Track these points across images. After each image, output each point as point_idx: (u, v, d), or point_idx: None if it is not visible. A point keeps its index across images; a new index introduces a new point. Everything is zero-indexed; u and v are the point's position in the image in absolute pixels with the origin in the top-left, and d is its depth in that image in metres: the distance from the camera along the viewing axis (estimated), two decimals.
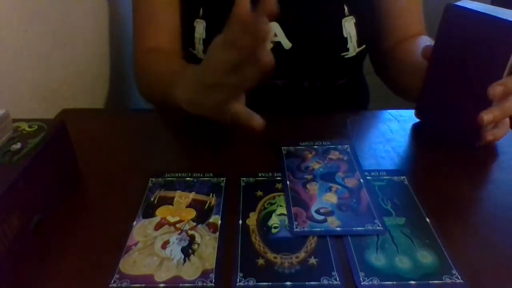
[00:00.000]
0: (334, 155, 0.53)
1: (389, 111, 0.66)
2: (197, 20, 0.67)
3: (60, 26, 0.69)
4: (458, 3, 0.50)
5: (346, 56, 0.66)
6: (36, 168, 0.42)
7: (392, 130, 0.60)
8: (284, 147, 0.54)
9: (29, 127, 0.46)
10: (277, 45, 0.65)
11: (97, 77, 0.84)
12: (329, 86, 0.73)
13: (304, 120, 0.62)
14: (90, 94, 0.81)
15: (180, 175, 0.50)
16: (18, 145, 0.43)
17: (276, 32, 0.65)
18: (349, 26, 0.65)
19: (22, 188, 0.40)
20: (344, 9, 0.65)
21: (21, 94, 0.61)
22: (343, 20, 0.65)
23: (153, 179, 0.49)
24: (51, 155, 0.45)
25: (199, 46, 0.67)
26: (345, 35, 0.65)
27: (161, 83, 0.62)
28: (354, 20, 0.65)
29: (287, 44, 0.65)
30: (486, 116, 0.48)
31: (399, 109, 0.65)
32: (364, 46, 0.67)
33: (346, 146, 0.55)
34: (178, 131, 0.61)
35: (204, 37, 0.66)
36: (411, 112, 0.64)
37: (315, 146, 0.55)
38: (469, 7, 0.49)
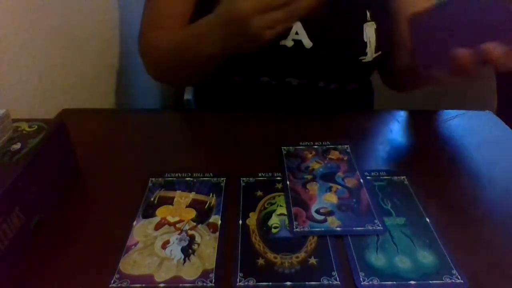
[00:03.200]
0: (334, 155, 0.53)
1: (389, 111, 0.66)
2: None
3: (60, 26, 0.69)
4: None
5: (363, 60, 0.66)
6: (36, 168, 0.42)
7: (392, 130, 0.60)
8: (284, 147, 0.54)
9: (29, 127, 0.46)
10: (298, 43, 0.65)
11: (97, 77, 0.84)
12: (343, 89, 0.73)
13: (304, 120, 0.62)
14: (90, 94, 0.81)
15: (180, 175, 0.50)
16: (18, 145, 0.43)
17: (298, 30, 0.65)
18: (369, 31, 0.65)
19: (22, 188, 0.39)
20: (366, 14, 0.66)
21: (21, 94, 0.61)
22: (365, 25, 0.65)
23: (153, 179, 0.49)
24: (51, 155, 0.45)
25: None
26: (365, 39, 0.65)
27: (182, 42, 0.63)
28: (375, 26, 0.66)
29: (308, 43, 0.65)
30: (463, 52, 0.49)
31: (400, 109, 0.65)
32: (380, 52, 0.68)
33: (346, 146, 0.55)
34: (178, 131, 0.61)
35: None
36: (411, 113, 0.65)
37: (315, 146, 0.55)
38: None
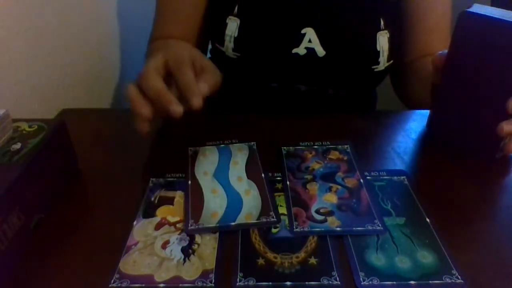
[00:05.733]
0: (334, 155, 0.53)
1: (389, 111, 0.66)
2: (231, 17, 0.66)
3: (60, 26, 0.69)
4: (470, 9, 0.48)
5: (375, 70, 0.66)
6: (36, 168, 0.42)
7: (392, 130, 0.60)
8: (284, 147, 0.54)
9: (29, 127, 0.46)
10: (311, 51, 0.64)
11: (97, 77, 0.84)
12: (351, 96, 0.73)
13: (304, 120, 0.62)
14: (90, 94, 0.81)
15: (180, 175, 0.50)
16: (18, 145, 0.43)
17: (311, 38, 0.64)
18: (383, 40, 0.65)
19: (22, 188, 0.40)
20: (380, 22, 0.65)
21: (21, 94, 0.60)
22: (378, 34, 0.64)
23: (153, 179, 0.49)
24: (51, 155, 0.45)
25: (229, 44, 0.66)
26: (378, 48, 0.64)
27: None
28: (388, 35, 0.65)
29: (320, 51, 0.64)
30: (507, 126, 0.47)
31: (400, 109, 0.65)
32: (392, 61, 0.67)
33: (346, 146, 0.55)
34: (178, 131, 0.61)
35: (236, 35, 0.65)
36: (411, 113, 0.65)
37: (315, 146, 0.55)
38: (482, 12, 0.48)
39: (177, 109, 0.44)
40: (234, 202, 0.45)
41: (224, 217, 0.43)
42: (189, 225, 0.42)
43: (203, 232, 0.41)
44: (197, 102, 0.44)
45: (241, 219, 0.42)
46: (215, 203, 0.45)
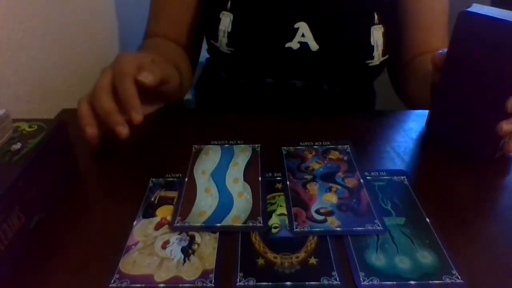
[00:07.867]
0: (334, 155, 0.53)
1: (389, 111, 0.66)
2: (224, 12, 0.66)
3: (60, 26, 0.69)
4: (469, 9, 0.49)
5: (370, 64, 0.66)
6: (36, 168, 0.42)
7: (392, 130, 0.60)
8: (284, 147, 0.54)
9: (29, 127, 0.46)
10: (304, 46, 0.64)
11: (97, 77, 0.84)
12: (347, 92, 0.73)
13: (304, 120, 0.62)
14: None
15: (180, 175, 0.50)
16: (18, 145, 0.43)
17: (304, 33, 0.64)
18: (377, 35, 0.64)
19: (22, 188, 0.39)
20: (374, 17, 0.65)
21: (21, 94, 0.61)
22: (372, 28, 0.64)
23: (153, 179, 0.49)
24: (51, 155, 0.45)
25: (222, 39, 0.66)
26: (372, 43, 0.64)
27: None
28: (382, 30, 0.65)
29: (314, 46, 0.64)
30: (506, 126, 0.47)
31: (400, 109, 0.65)
32: (387, 56, 0.67)
33: (346, 146, 0.55)
34: (178, 131, 0.61)
35: (230, 30, 0.65)
36: (411, 113, 0.65)
37: (315, 146, 0.55)
38: (481, 12, 0.48)
39: (122, 131, 0.47)
40: (225, 203, 0.45)
41: (211, 217, 0.43)
42: (175, 221, 0.42)
43: (188, 230, 0.41)
44: (135, 116, 0.47)
45: (228, 221, 0.42)
46: (205, 203, 0.45)
